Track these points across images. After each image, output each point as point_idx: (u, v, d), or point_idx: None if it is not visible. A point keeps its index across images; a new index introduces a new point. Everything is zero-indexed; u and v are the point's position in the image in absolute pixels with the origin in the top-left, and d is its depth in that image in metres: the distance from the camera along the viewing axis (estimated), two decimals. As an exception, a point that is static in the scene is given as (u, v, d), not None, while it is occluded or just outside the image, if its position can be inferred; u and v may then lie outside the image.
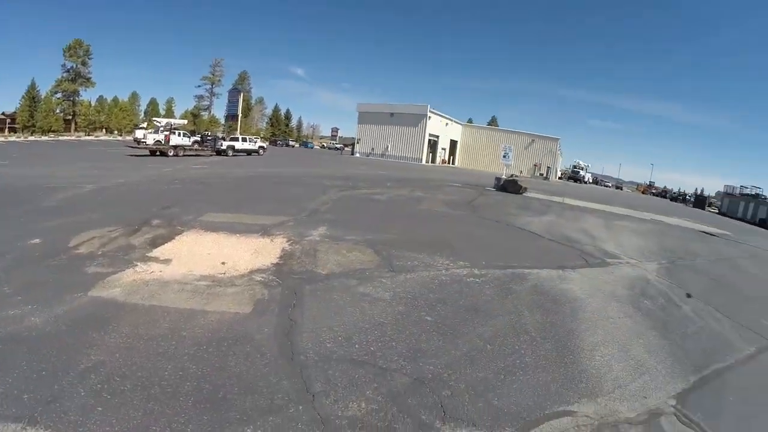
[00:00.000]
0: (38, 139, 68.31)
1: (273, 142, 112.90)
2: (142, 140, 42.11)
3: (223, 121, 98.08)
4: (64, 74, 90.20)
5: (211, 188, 18.11)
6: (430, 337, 6.17)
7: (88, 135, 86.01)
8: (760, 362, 7.39)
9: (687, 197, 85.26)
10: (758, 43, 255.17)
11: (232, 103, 71.25)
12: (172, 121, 51.36)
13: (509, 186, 27.93)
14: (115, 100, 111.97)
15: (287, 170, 31.15)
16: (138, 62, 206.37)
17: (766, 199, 54.84)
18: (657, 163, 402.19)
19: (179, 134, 43.65)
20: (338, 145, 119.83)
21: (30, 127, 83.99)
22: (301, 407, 4.30)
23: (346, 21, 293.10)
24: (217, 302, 6.55)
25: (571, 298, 8.57)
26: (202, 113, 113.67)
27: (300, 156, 64.64)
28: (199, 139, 47.92)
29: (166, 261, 8.14)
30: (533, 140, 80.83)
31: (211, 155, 44.34)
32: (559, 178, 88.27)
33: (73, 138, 74.98)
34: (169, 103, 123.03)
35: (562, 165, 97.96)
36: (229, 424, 3.99)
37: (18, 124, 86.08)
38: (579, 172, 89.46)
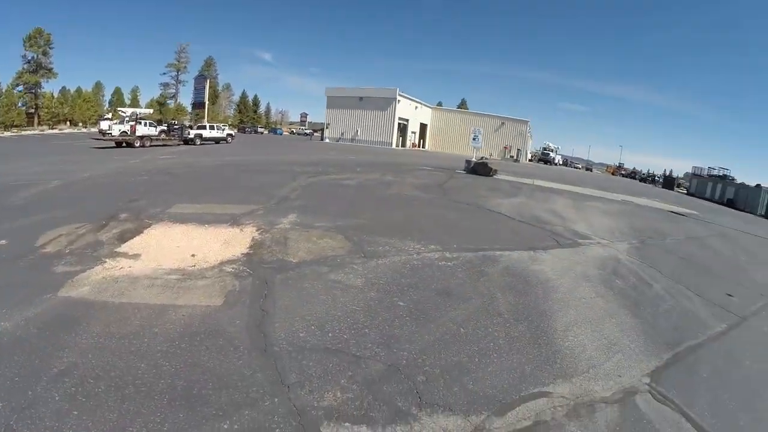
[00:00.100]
0: (0, 135, 66.42)
1: (241, 130, 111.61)
2: (108, 131, 41.15)
3: (190, 109, 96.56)
4: (25, 65, 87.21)
5: (179, 179, 17.83)
6: (404, 322, 6.19)
7: (52, 128, 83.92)
8: (731, 338, 7.59)
9: (656, 178, 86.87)
10: (721, 27, 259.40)
11: (199, 91, 70.34)
12: (138, 110, 50.31)
13: (479, 168, 28.07)
14: (79, 90, 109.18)
15: (256, 158, 30.83)
16: (101, 50, 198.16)
17: (733, 179, 56.24)
18: (626, 145, 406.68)
19: (145, 124, 42.89)
20: (307, 131, 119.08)
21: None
22: (276, 399, 4.28)
23: (313, 3, 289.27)
24: (187, 296, 6.47)
25: (543, 279, 8.67)
26: (169, 101, 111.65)
27: (269, 143, 63.97)
28: (165, 128, 47.09)
29: (135, 256, 8.00)
30: (503, 123, 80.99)
31: (179, 144, 43.50)
32: (530, 160, 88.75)
33: (36, 132, 73.04)
34: (135, 91, 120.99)
35: (532, 147, 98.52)
36: (205, 420, 3.95)
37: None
38: (549, 154, 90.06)
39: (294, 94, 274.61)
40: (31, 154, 29.08)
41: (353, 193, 16.51)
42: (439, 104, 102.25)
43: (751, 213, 40.06)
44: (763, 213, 40.63)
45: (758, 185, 46.90)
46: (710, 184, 55.25)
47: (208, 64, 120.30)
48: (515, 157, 76.20)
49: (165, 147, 39.46)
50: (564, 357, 5.81)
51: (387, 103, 72.96)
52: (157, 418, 3.92)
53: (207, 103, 66.49)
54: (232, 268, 7.63)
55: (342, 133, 76.52)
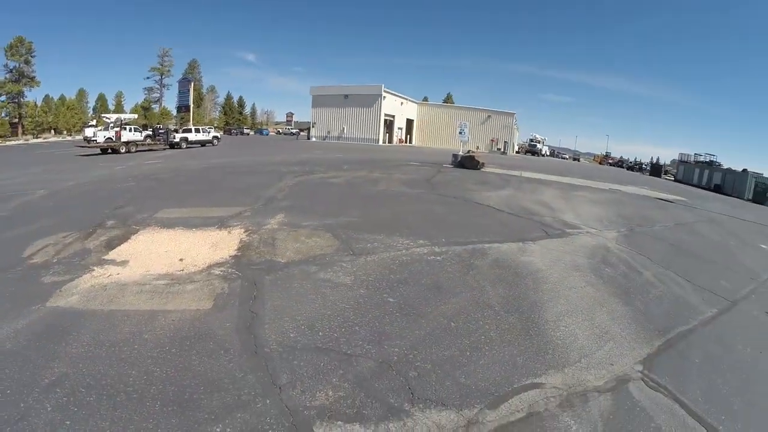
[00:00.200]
0: (-16, 147, 65.76)
1: (227, 131, 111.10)
2: (92, 138, 41.17)
3: (175, 113, 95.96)
4: (7, 75, 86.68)
5: (166, 183, 17.72)
6: (394, 318, 6.19)
7: (37, 137, 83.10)
8: (722, 323, 7.65)
9: (643, 166, 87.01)
10: (703, 13, 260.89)
11: (183, 94, 69.73)
12: (122, 116, 49.80)
13: (467, 162, 28.14)
14: (62, 98, 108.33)
15: (242, 159, 30.69)
16: (83, 57, 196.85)
17: (720, 165, 56.72)
18: (612, 135, 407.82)
19: (130, 129, 42.78)
20: (294, 131, 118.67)
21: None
22: (268, 401, 4.27)
23: (296, 2, 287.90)
24: (177, 300, 6.44)
25: (533, 270, 8.69)
26: (153, 106, 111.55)
27: (255, 144, 63.70)
28: (151, 133, 47.06)
29: (123, 263, 7.95)
30: (489, 116, 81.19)
31: (165, 149, 43.22)
32: (517, 152, 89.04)
33: (21, 142, 72.39)
34: (119, 97, 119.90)
35: (519, 139, 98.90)
36: (197, 424, 3.94)
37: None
38: (536, 145, 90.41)
39: (279, 94, 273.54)
40: (15, 165, 28.83)
41: (341, 191, 16.49)
42: (425, 99, 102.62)
43: (738, 198, 40.47)
44: (750, 197, 41.03)
45: (745, 170, 47.44)
46: (697, 170, 55.69)
47: (192, 66, 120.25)
48: (502, 150, 76.49)
49: (151, 152, 39.15)
50: (555, 347, 5.83)
51: (372, 99, 73.03)
52: (150, 425, 3.91)
53: (192, 106, 66.04)
54: (221, 271, 7.60)
55: (328, 132, 76.47)
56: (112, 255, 8.36)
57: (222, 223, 10.49)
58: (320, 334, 5.62)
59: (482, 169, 27.55)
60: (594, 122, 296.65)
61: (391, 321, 6.11)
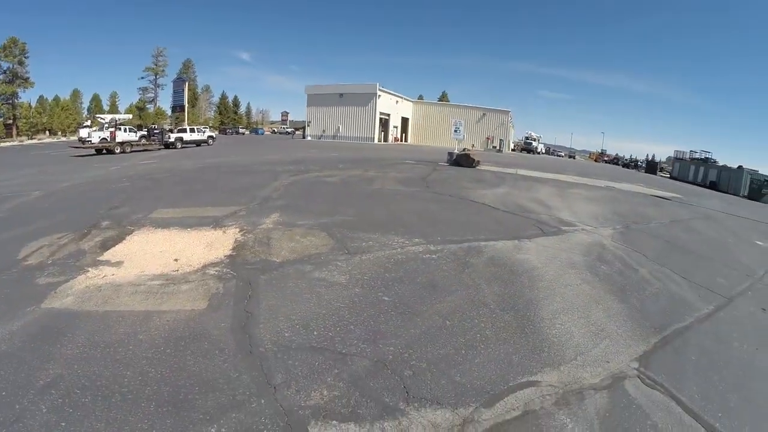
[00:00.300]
0: (-21, 149, 65.45)
1: (222, 131, 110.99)
2: (87, 139, 41.02)
3: (169, 113, 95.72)
4: (1, 76, 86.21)
5: (161, 183, 17.68)
6: (389, 317, 6.18)
7: (31, 138, 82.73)
8: (718, 320, 7.61)
9: (639, 163, 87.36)
10: (700, 11, 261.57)
11: (178, 94, 69.88)
12: (117, 116, 49.82)
13: (462, 160, 28.13)
14: (57, 99, 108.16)
15: (238, 159, 30.64)
16: (77, 57, 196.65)
17: (715, 162, 56.75)
18: (608, 132, 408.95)
19: (125, 130, 42.72)
20: (289, 130, 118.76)
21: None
22: (263, 401, 4.27)
23: (290, 0, 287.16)
24: (171, 301, 6.42)
25: (529, 267, 8.68)
26: (148, 106, 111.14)
27: (250, 143, 63.54)
28: (146, 133, 46.99)
29: (118, 263, 7.93)
30: (484, 114, 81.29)
31: (160, 149, 43.18)
32: (513, 150, 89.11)
33: (16, 143, 72.01)
34: (113, 97, 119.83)
35: (514, 137, 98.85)
36: (192, 425, 3.93)
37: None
38: (532, 143, 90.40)
39: (274, 93, 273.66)
40: (10, 166, 28.69)
41: (336, 190, 16.46)
42: (420, 98, 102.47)
43: (734, 194, 40.57)
44: (745, 194, 41.14)
45: (740, 167, 47.43)
46: (693, 167, 55.87)
47: (187, 66, 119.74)
48: (498, 148, 76.49)
49: (146, 152, 39.13)
50: (551, 345, 5.83)
51: (368, 98, 72.99)
52: (145, 425, 3.90)
53: (186, 105, 66.11)
54: (216, 271, 7.58)
55: (324, 131, 76.40)
56: (107, 256, 8.34)
57: (217, 223, 10.48)
58: (315, 333, 5.61)
59: (478, 167, 27.52)
60: (590, 119, 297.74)
61: (386, 320, 6.10)
